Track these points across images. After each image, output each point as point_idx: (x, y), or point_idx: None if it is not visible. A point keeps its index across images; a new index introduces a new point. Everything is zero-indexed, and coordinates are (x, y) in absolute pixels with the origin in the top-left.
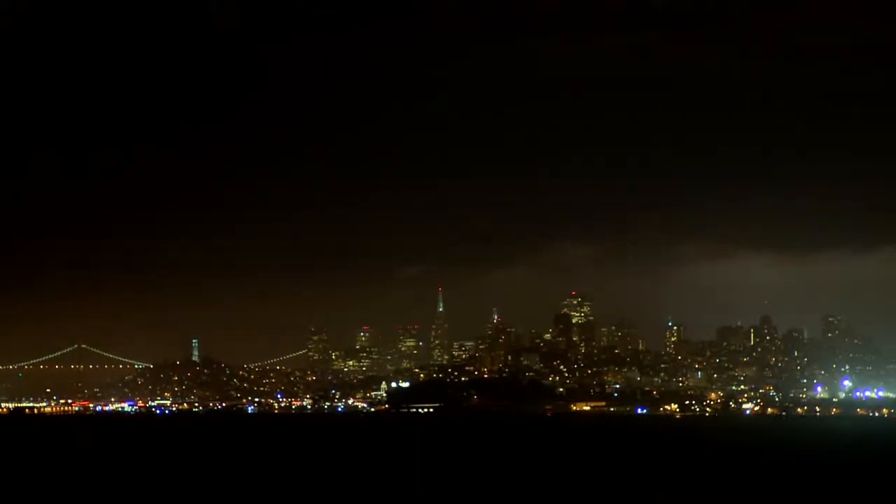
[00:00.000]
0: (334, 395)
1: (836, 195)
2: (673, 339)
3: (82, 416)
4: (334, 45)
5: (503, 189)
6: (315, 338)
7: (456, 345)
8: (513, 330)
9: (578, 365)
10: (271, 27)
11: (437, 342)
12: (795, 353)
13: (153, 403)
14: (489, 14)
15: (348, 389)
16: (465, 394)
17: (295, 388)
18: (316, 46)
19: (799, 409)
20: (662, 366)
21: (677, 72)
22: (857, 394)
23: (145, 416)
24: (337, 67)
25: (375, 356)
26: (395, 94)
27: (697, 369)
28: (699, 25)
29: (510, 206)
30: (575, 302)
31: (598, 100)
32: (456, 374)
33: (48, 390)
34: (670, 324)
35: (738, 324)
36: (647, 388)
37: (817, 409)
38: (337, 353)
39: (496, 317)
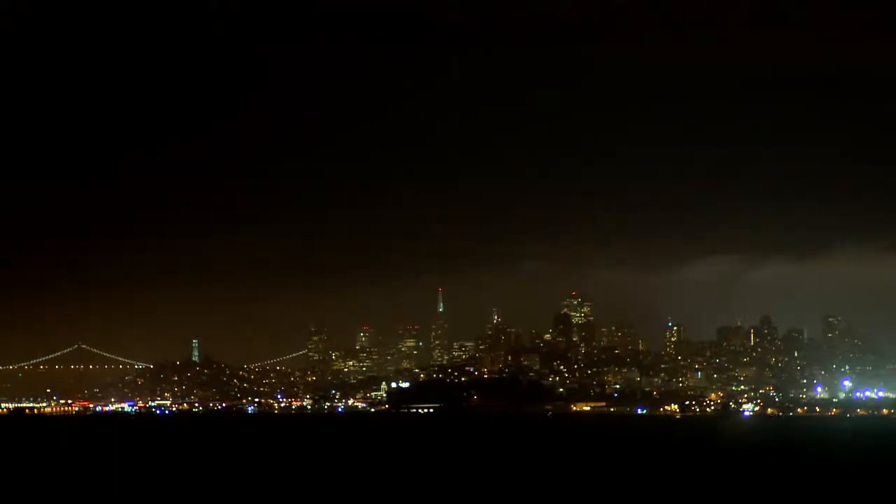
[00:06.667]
0: (334, 395)
1: (836, 196)
2: (673, 339)
3: (82, 416)
4: (334, 45)
5: (503, 189)
6: (315, 338)
7: (456, 345)
8: (513, 330)
9: (578, 365)
10: (271, 27)
11: (437, 342)
12: (795, 353)
13: (153, 403)
14: (482, 19)
15: (348, 389)
16: (465, 394)
17: (295, 389)
18: (316, 46)
19: (799, 409)
20: (662, 366)
21: (673, 75)
22: (857, 394)
23: (145, 416)
24: (337, 67)
25: (375, 356)
26: (395, 94)
27: (697, 369)
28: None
29: (510, 206)
30: (575, 302)
31: (597, 101)
32: (456, 374)
33: (48, 390)
34: (670, 324)
35: (738, 324)
36: (647, 389)
37: (817, 409)
38: (337, 353)
39: (496, 317)
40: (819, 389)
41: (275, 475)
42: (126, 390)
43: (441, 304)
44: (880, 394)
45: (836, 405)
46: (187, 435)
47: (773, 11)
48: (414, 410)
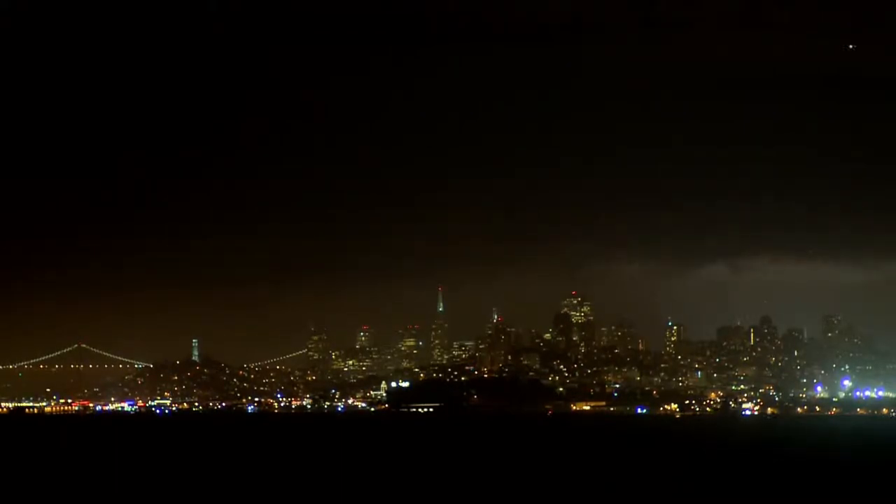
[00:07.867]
0: (334, 395)
1: (836, 196)
2: (673, 339)
3: (82, 416)
4: (334, 45)
5: (502, 189)
6: (315, 338)
7: (456, 345)
8: (513, 330)
9: (578, 365)
10: (271, 27)
11: (437, 342)
12: (795, 353)
13: (153, 403)
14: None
15: (348, 389)
16: (465, 394)
17: (295, 388)
18: (316, 46)
19: (799, 409)
20: (662, 366)
21: (672, 75)
22: (857, 394)
23: (145, 415)
24: (337, 67)
25: (375, 356)
26: (395, 94)
27: (697, 369)
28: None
29: (510, 206)
30: (575, 302)
31: (597, 101)
32: (456, 374)
33: (48, 390)
34: (670, 324)
35: (738, 324)
36: (647, 388)
37: (817, 408)
38: (337, 353)
39: (496, 317)
40: (819, 389)
41: (275, 475)
42: (126, 390)
43: (441, 304)
44: (880, 394)
45: (836, 405)
46: (187, 435)
47: (772, 11)
48: (414, 410)
